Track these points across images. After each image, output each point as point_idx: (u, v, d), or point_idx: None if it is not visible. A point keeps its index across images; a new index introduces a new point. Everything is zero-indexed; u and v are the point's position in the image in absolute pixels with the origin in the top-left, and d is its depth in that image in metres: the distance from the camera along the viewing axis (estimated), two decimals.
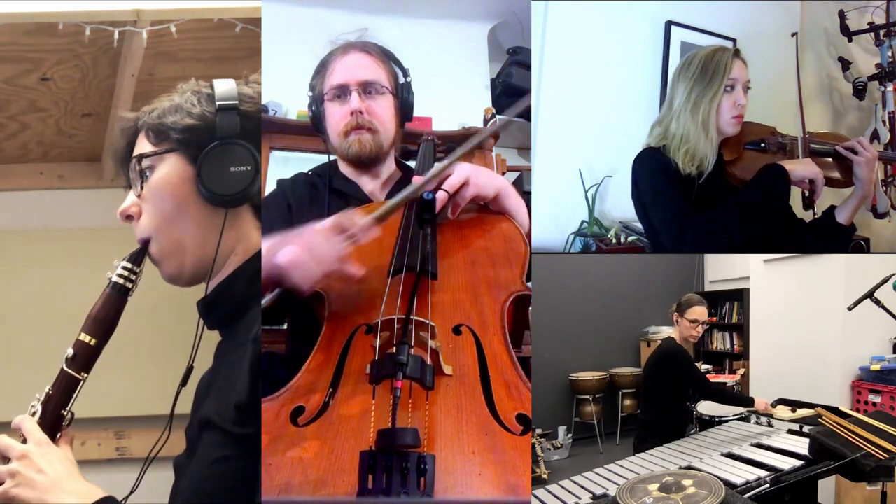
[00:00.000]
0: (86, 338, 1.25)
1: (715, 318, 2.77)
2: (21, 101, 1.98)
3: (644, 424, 2.63)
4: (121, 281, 1.25)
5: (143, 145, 1.24)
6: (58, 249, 2.14)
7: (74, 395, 1.26)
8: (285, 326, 1.63)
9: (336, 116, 1.59)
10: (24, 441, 1.23)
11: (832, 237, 1.76)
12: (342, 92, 1.58)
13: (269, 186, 1.80)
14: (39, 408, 1.25)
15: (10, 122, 2.06)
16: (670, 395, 2.55)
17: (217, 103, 1.21)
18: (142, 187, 1.23)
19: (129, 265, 1.26)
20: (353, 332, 1.10)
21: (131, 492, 1.30)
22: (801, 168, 1.71)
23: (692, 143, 1.70)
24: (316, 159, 1.90)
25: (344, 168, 1.67)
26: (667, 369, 2.57)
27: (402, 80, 1.65)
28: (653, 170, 1.76)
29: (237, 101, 1.22)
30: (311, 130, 1.72)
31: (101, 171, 2.22)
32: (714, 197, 1.71)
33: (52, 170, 2.25)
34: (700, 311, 2.57)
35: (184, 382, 1.28)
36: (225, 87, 1.23)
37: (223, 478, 1.12)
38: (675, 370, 2.55)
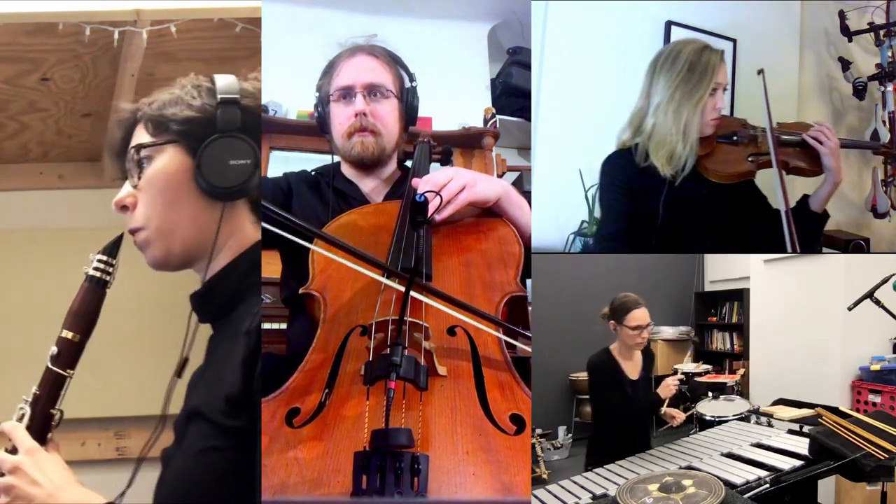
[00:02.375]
0: (68, 334, 1.24)
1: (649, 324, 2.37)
2: (21, 101, 1.99)
3: (589, 440, 2.47)
4: (97, 274, 1.25)
5: (142, 136, 1.23)
6: (58, 249, 2.15)
7: (62, 393, 1.25)
8: (285, 326, 1.64)
9: (340, 117, 1.60)
10: (14, 450, 1.21)
11: (806, 226, 1.77)
12: (347, 93, 1.59)
13: None
14: (28, 409, 1.23)
15: (10, 122, 2.07)
16: (601, 413, 2.38)
17: (219, 96, 1.21)
18: (139, 178, 1.22)
19: (105, 257, 1.25)
20: (349, 334, 1.10)
21: (126, 488, 1.28)
22: None
23: (671, 147, 1.71)
24: (316, 159, 1.91)
25: (346, 169, 1.68)
26: (590, 384, 2.42)
27: (407, 84, 1.66)
28: (613, 178, 1.77)
29: (238, 96, 1.22)
30: (311, 130, 1.73)
31: (101, 171, 2.23)
32: (687, 189, 1.72)
33: (52, 170, 2.26)
34: (640, 315, 2.30)
35: (178, 374, 1.27)
36: (226, 82, 1.23)
37: (209, 468, 1.10)
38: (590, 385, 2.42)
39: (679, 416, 2.26)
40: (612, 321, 2.33)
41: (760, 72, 1.82)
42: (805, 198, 1.81)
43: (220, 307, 1.23)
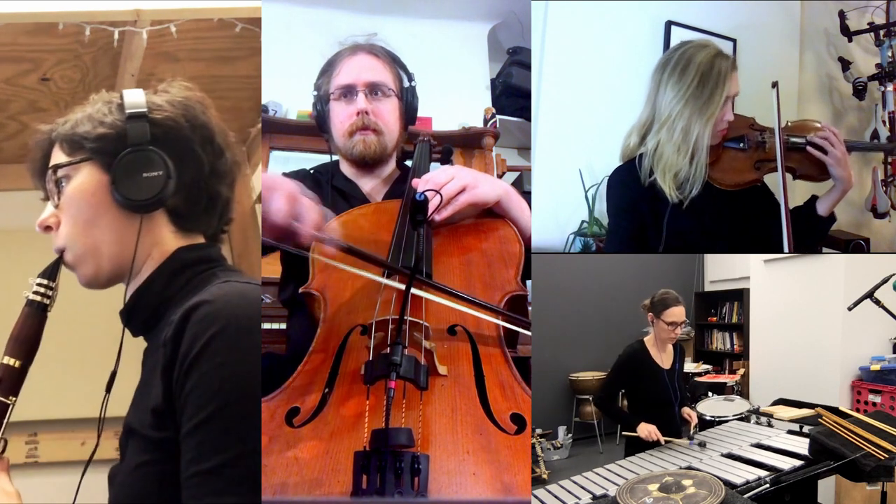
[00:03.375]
0: (10, 360, 1.23)
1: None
2: (21, 101, 1.99)
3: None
4: (38, 298, 1.24)
5: (58, 156, 1.24)
6: None
7: (5, 421, 1.23)
8: (285, 326, 1.64)
9: (341, 116, 1.60)
10: None
11: (810, 227, 1.75)
12: (348, 92, 1.59)
13: None
14: None
15: (10, 122, 2.07)
16: (636, 400, 2.41)
17: (126, 112, 1.21)
18: (59, 198, 1.23)
19: (45, 281, 1.24)
20: (349, 333, 1.10)
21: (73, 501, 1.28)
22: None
23: (678, 167, 1.65)
24: (316, 159, 1.91)
25: (345, 168, 1.68)
26: (622, 372, 2.43)
27: (407, 83, 1.66)
28: (620, 200, 1.75)
29: (146, 110, 1.22)
30: (310, 130, 1.72)
31: None
32: (694, 201, 1.69)
33: None
34: (678, 312, 2.35)
35: (107, 388, 1.27)
36: (133, 97, 1.23)
37: (144, 483, 1.10)
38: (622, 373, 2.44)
39: (694, 416, 2.29)
40: (650, 313, 2.38)
41: (775, 84, 1.77)
42: (814, 198, 1.78)
43: (148, 319, 1.22)
